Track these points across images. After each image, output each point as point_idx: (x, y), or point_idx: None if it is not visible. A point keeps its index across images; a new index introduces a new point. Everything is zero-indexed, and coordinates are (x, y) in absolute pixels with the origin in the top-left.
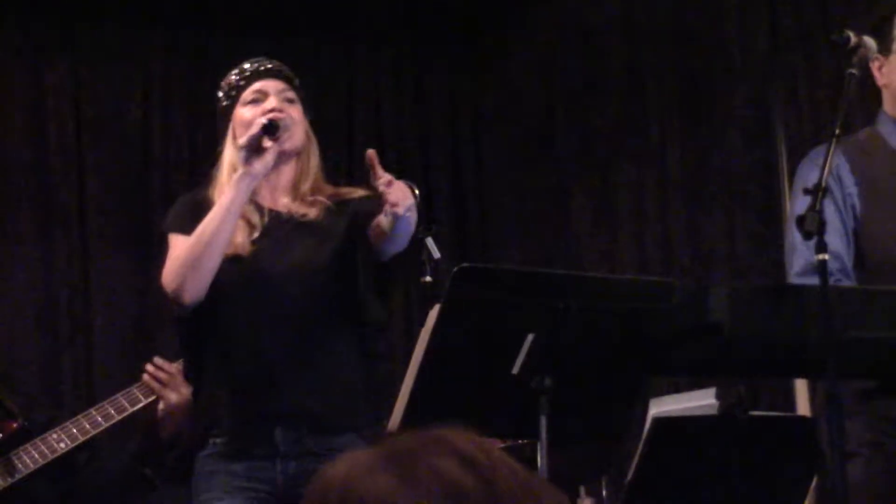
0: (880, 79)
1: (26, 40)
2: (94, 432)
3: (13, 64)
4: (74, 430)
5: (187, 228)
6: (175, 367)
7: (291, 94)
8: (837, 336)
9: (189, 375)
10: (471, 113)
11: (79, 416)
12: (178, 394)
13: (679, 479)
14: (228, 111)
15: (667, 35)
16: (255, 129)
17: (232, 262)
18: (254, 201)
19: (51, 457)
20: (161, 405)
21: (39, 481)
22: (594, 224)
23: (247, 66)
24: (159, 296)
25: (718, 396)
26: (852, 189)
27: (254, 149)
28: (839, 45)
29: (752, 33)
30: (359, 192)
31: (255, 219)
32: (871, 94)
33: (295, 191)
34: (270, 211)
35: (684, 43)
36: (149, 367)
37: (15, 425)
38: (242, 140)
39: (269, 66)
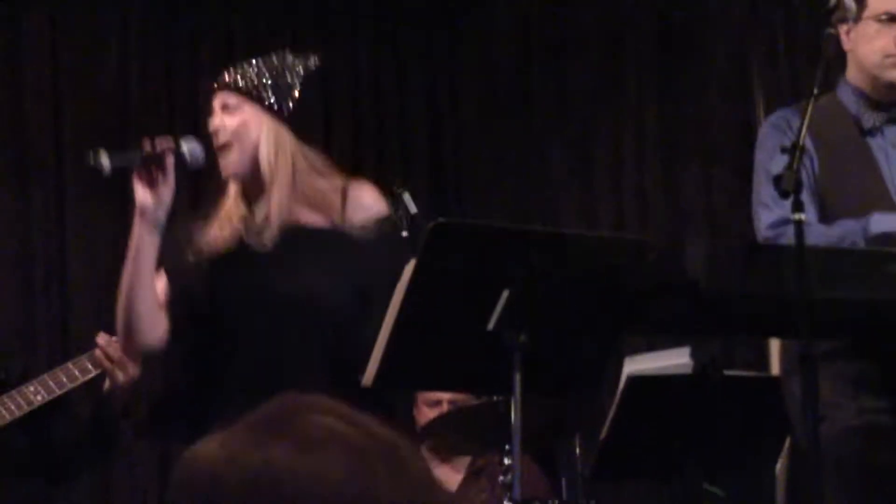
0: (846, 43)
1: None
2: (70, 386)
3: None
4: (51, 383)
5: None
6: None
7: (232, 101)
8: (812, 296)
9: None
10: (448, 68)
11: (56, 369)
12: (124, 372)
13: (652, 438)
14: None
15: None
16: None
17: (221, 266)
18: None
19: (27, 409)
20: (107, 382)
21: (14, 433)
22: (571, 179)
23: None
24: None
25: (693, 355)
26: (812, 151)
27: (144, 183)
28: (819, 4)
29: None
30: (368, 205)
31: (230, 229)
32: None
33: (257, 192)
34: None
35: None
36: (100, 342)
37: None
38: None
39: (225, 77)
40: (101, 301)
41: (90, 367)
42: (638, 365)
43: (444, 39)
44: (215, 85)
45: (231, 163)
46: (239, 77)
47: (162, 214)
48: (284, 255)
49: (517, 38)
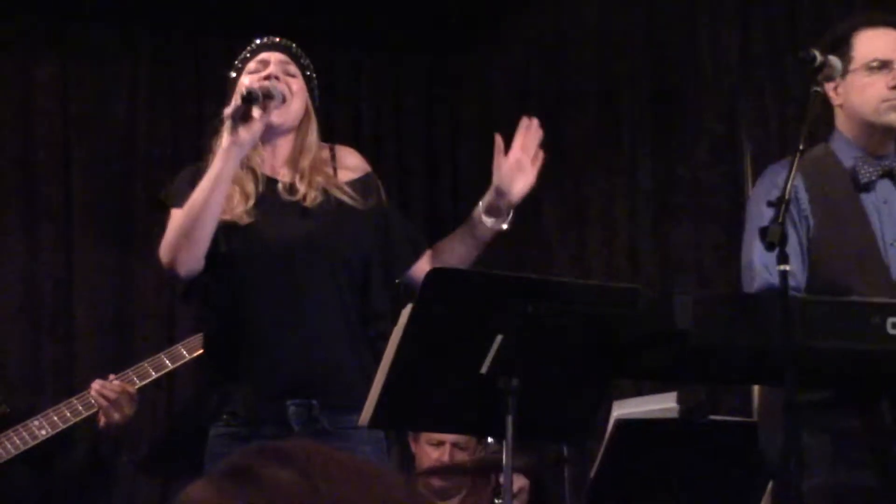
0: (836, 98)
1: (16, 36)
2: (74, 420)
3: (2, 59)
4: (55, 418)
5: (184, 202)
6: (119, 386)
7: (293, 69)
8: (796, 345)
9: (210, 348)
10: (448, 122)
11: (60, 405)
12: (119, 412)
13: (639, 480)
14: (235, 83)
15: (640, 49)
16: (232, 111)
17: (232, 232)
18: (250, 168)
19: (32, 443)
20: (102, 421)
21: (18, 466)
22: (565, 231)
23: (257, 41)
24: (140, 290)
25: (679, 400)
26: (807, 206)
27: (239, 118)
28: (806, 64)
29: (723, 50)
30: (357, 165)
31: (250, 187)
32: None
33: (293, 164)
34: (268, 179)
35: (657, 57)
36: (94, 386)
37: None
38: (227, 109)
39: (277, 39)
40: (105, 343)
41: (93, 403)
42: (626, 408)
43: (443, 95)
44: (267, 40)
45: (291, 116)
46: (296, 52)
47: (248, 151)
48: (321, 212)
49: (515, 95)
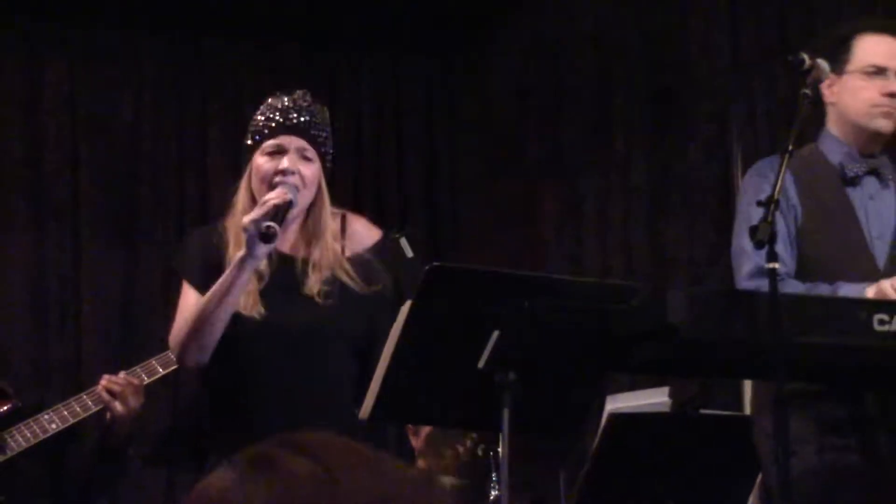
0: (829, 96)
1: (24, 39)
2: (83, 415)
3: (12, 63)
4: (65, 412)
5: (195, 277)
6: (124, 380)
7: (311, 153)
8: (786, 340)
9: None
10: (447, 122)
11: (69, 400)
12: (125, 406)
13: (632, 473)
14: (251, 150)
15: (634, 52)
16: (261, 212)
17: (238, 318)
18: None
19: (42, 436)
20: (108, 414)
21: (29, 459)
22: (561, 229)
23: (277, 115)
24: (145, 287)
25: (671, 395)
26: (796, 201)
27: (261, 235)
28: (795, 67)
29: (714, 53)
30: (368, 236)
31: (263, 267)
32: (822, 113)
33: (307, 243)
34: (282, 256)
35: (650, 60)
36: (102, 381)
37: (8, 405)
38: (247, 221)
39: (297, 121)
40: (111, 338)
41: (100, 400)
42: (619, 403)
43: (444, 96)
44: (289, 122)
45: (304, 202)
46: (313, 129)
47: (262, 261)
48: (327, 299)
49: (513, 96)
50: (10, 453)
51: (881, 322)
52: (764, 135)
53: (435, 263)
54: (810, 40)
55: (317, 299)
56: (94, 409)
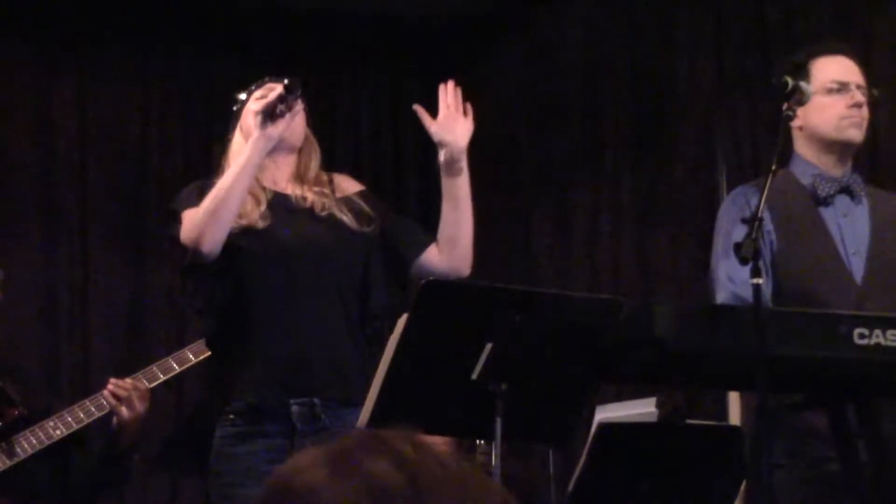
0: (796, 121)
1: (36, 58)
2: (87, 421)
3: (23, 80)
4: (69, 419)
5: (196, 203)
6: (131, 384)
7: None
8: (768, 353)
9: (213, 347)
10: None
11: (74, 406)
12: (131, 410)
13: (620, 480)
14: (240, 112)
15: (622, 74)
16: (273, 94)
17: (246, 234)
18: (258, 181)
19: (47, 442)
20: (114, 419)
21: (37, 464)
22: (551, 244)
23: (262, 81)
24: (152, 295)
25: (658, 405)
26: (770, 226)
27: (269, 115)
28: (778, 89)
29: (699, 75)
30: (353, 186)
31: (261, 196)
32: (789, 140)
33: (298, 181)
34: (275, 193)
35: (638, 81)
36: (108, 386)
37: (16, 412)
38: (259, 105)
39: (282, 78)
40: (118, 346)
41: (104, 405)
42: (608, 413)
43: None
44: (267, 78)
45: (297, 132)
46: (297, 86)
47: (272, 145)
48: (327, 220)
49: (506, 117)
50: (17, 459)
51: (861, 336)
52: (747, 154)
53: (430, 279)
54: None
55: (318, 216)
56: (98, 414)
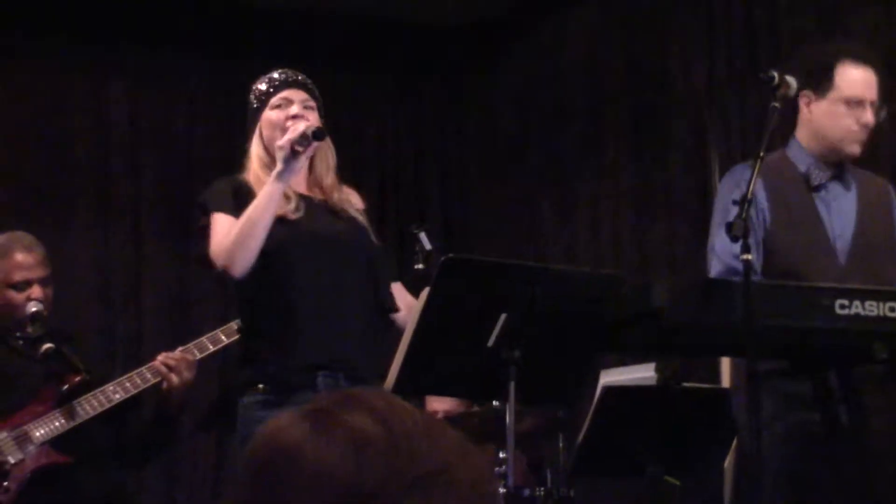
0: (806, 112)
1: (92, 60)
2: (143, 386)
3: (81, 82)
4: (128, 384)
5: (228, 208)
6: (180, 355)
7: (311, 103)
8: (756, 323)
9: (244, 326)
10: (458, 133)
11: (131, 373)
12: (179, 378)
13: (623, 438)
14: (257, 113)
15: (621, 74)
16: (295, 134)
17: (281, 223)
18: None
19: (107, 405)
20: (165, 385)
21: (96, 425)
22: (558, 227)
23: (275, 75)
24: (198, 275)
25: (657, 370)
26: (765, 205)
27: (291, 154)
28: (766, 83)
29: (692, 72)
30: (359, 203)
31: (291, 193)
32: (789, 124)
33: (317, 182)
34: (298, 194)
35: (636, 80)
36: (159, 357)
37: (78, 378)
38: (283, 142)
39: (294, 77)
40: (167, 321)
41: (158, 373)
42: (611, 377)
43: (456, 113)
44: (289, 78)
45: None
46: (310, 85)
47: (295, 176)
48: (345, 216)
49: (516, 113)
50: (79, 420)
51: (842, 307)
52: (737, 144)
53: (450, 255)
54: (782, 58)
55: (338, 212)
56: (153, 381)
